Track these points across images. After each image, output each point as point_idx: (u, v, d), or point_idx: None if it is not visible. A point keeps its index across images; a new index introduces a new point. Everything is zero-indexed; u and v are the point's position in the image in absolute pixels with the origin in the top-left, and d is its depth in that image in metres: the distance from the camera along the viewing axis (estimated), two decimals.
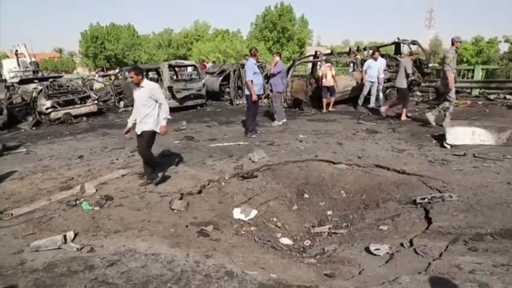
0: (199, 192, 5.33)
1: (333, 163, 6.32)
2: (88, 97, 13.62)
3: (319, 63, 12.92)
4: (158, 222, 4.29)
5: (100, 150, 8.05)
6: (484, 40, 48.22)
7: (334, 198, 5.61)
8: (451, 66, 7.93)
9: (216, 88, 15.68)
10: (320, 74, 11.64)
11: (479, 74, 13.92)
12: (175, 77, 16.25)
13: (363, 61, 13.66)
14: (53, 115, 12.26)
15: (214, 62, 30.52)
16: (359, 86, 12.10)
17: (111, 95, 16.24)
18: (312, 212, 5.43)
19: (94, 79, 22.21)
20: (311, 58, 15.22)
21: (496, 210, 4.11)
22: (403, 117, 9.63)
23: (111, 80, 19.24)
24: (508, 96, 12.07)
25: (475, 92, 13.45)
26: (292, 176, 6.09)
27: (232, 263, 3.36)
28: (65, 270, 3.22)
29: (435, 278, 2.91)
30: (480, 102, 11.77)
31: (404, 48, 14.69)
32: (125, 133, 5.72)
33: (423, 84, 13.30)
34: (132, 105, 5.79)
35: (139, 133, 5.42)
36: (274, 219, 5.15)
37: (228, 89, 15.67)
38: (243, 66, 13.20)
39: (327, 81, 11.30)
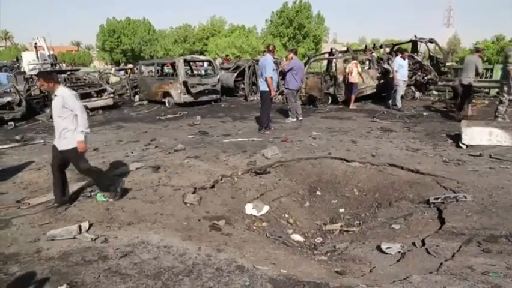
0: (212, 186, 5.36)
1: (347, 161, 6.28)
2: (104, 90, 13.80)
3: (334, 60, 12.86)
4: (171, 216, 4.34)
5: (115, 143, 8.15)
6: (505, 39, 47.25)
7: (346, 196, 5.58)
8: None
9: (231, 84, 15.69)
10: (347, 71, 11.73)
11: (498, 74, 13.61)
12: (190, 72, 16.32)
13: (379, 59, 13.53)
14: None
15: (227, 55, 30.51)
16: (380, 84, 12.24)
17: (126, 89, 16.46)
18: (324, 210, 5.42)
19: (110, 73, 22.45)
20: (326, 55, 15.14)
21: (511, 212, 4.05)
22: (469, 113, 9.58)
23: (127, 74, 19.45)
24: None
25: (493, 91, 13.16)
26: (305, 173, 6.08)
27: (243, 258, 3.38)
28: (79, 260, 3.30)
29: (447, 278, 2.88)
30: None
31: (421, 47, 14.51)
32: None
33: (440, 83, 13.10)
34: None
35: (59, 149, 4.60)
36: (286, 215, 5.16)
37: (242, 85, 15.70)
38: (257, 62, 13.22)
39: (353, 78, 11.50)
